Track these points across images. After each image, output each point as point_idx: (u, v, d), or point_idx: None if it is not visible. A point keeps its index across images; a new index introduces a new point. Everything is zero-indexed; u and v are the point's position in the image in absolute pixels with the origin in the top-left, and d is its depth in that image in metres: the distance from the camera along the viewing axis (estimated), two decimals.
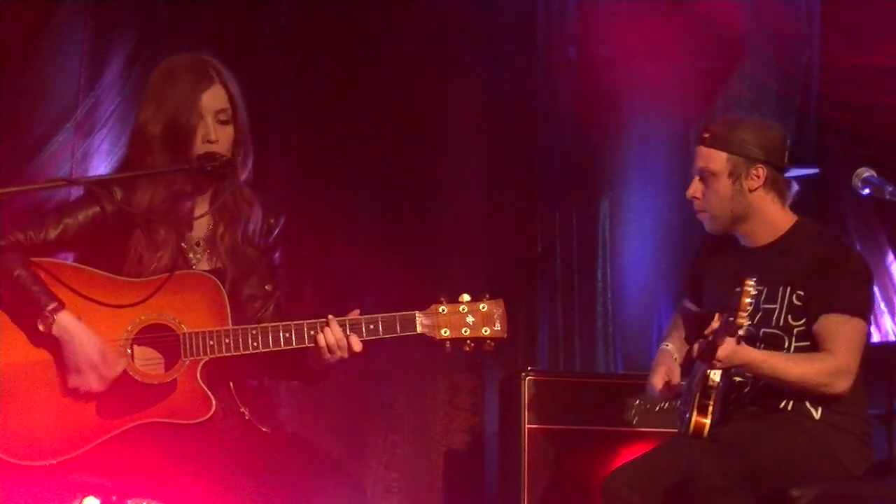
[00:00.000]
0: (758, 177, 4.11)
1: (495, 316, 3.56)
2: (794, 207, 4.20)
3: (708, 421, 4.01)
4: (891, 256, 5.56)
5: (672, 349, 4.32)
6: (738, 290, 3.77)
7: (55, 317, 3.44)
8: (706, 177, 4.13)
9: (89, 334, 3.45)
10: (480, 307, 3.56)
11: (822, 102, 5.54)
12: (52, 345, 3.47)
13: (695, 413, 4.03)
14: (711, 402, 4.01)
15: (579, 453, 5.18)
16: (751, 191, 4.11)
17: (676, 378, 4.20)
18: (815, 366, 4.00)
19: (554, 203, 6.05)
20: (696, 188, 4.17)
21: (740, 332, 3.86)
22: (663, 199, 5.90)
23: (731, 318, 3.80)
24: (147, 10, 5.51)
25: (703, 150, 4.15)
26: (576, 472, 5.18)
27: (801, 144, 5.56)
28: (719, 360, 3.91)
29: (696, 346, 4.06)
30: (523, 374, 5.21)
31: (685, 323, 4.41)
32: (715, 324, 4.00)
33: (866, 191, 3.93)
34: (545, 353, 6.00)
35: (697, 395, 4.02)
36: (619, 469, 4.12)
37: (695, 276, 4.40)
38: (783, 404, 4.06)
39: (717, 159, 4.11)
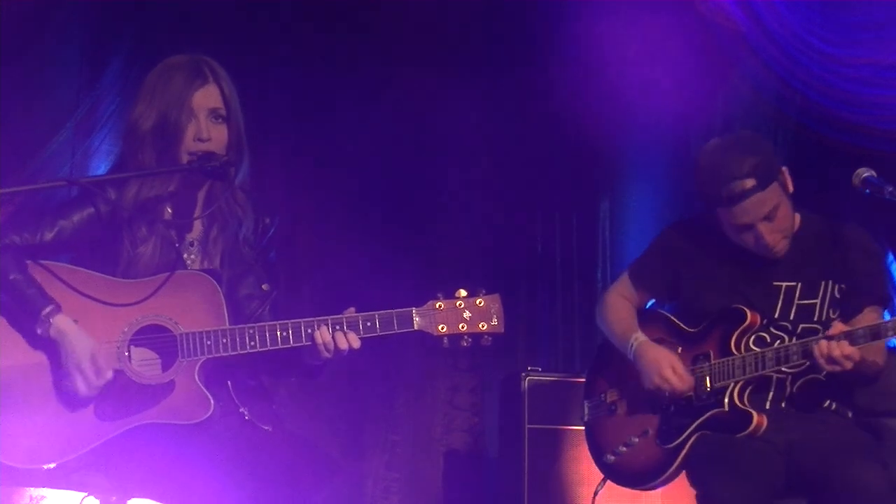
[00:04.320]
0: (789, 178, 4.08)
1: (492, 311, 3.56)
2: (798, 206, 4.17)
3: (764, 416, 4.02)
4: (891, 256, 5.55)
5: (648, 340, 4.22)
6: None
7: (52, 320, 3.44)
8: (772, 214, 4.01)
9: (83, 338, 3.44)
10: (477, 302, 3.56)
11: (821, 101, 5.53)
12: (51, 347, 3.47)
13: (755, 413, 4.00)
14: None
15: (579, 453, 5.18)
16: (791, 193, 4.08)
17: (682, 368, 4.12)
18: (885, 358, 4.04)
19: (554, 203, 6.05)
20: (771, 231, 4.03)
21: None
22: (663, 199, 5.89)
23: None
24: (147, 10, 5.51)
25: (757, 197, 3.98)
26: (576, 472, 5.18)
27: (801, 144, 5.58)
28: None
29: (822, 345, 3.87)
30: (523, 374, 5.22)
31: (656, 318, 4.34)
32: (839, 327, 3.91)
33: (866, 191, 3.92)
34: (545, 353, 6.00)
35: (746, 391, 4.03)
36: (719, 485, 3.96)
37: (667, 268, 4.29)
38: (826, 403, 4.06)
39: (773, 193, 4.01)
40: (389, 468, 5.85)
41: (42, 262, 3.52)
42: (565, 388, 5.24)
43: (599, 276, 6.02)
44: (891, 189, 3.86)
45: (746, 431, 3.99)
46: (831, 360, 3.87)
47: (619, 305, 4.35)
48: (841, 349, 3.85)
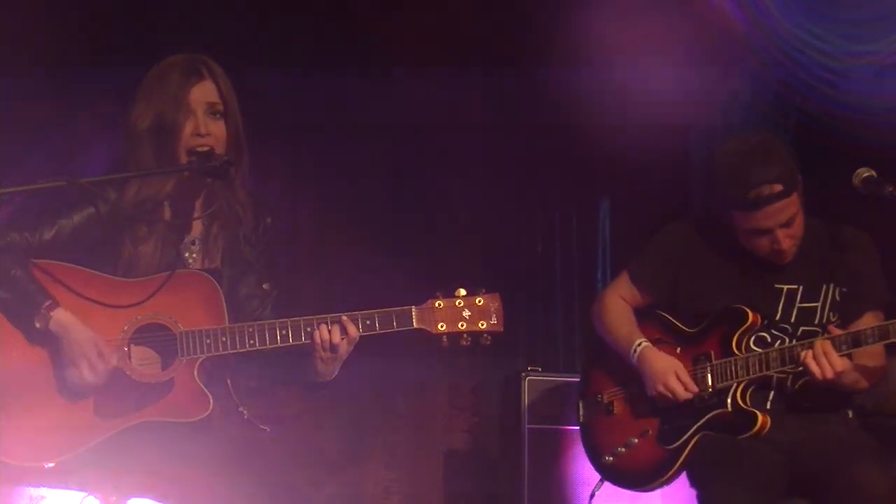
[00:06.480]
0: (802, 188, 4.08)
1: (491, 310, 3.57)
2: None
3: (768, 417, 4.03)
4: None
5: (651, 346, 4.21)
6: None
7: (51, 313, 3.44)
8: (791, 221, 4.02)
9: (84, 328, 3.45)
10: (477, 301, 3.57)
11: (822, 101, 5.53)
12: (50, 345, 3.48)
13: (759, 413, 4.01)
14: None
15: (579, 453, 5.17)
16: (804, 203, 4.09)
17: (686, 375, 4.11)
18: (881, 369, 4.05)
19: (554, 203, 6.05)
20: (787, 237, 4.04)
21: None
22: (663, 199, 5.89)
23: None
24: (148, 10, 5.51)
25: (783, 203, 3.98)
26: (576, 472, 5.18)
27: (801, 144, 5.57)
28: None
29: (816, 345, 3.93)
30: (523, 374, 5.22)
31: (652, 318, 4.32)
32: (836, 331, 3.95)
33: (866, 191, 3.92)
34: (545, 353, 6.00)
35: (748, 391, 4.04)
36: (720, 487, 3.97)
37: (668, 269, 4.28)
38: (828, 403, 4.06)
39: (795, 201, 4.02)
40: (389, 469, 5.85)
41: (42, 261, 3.53)
42: (565, 388, 5.24)
43: (599, 276, 6.02)
44: (891, 189, 3.86)
45: (751, 432, 4.00)
46: (819, 363, 3.89)
47: (619, 307, 4.33)
48: (829, 359, 3.87)
